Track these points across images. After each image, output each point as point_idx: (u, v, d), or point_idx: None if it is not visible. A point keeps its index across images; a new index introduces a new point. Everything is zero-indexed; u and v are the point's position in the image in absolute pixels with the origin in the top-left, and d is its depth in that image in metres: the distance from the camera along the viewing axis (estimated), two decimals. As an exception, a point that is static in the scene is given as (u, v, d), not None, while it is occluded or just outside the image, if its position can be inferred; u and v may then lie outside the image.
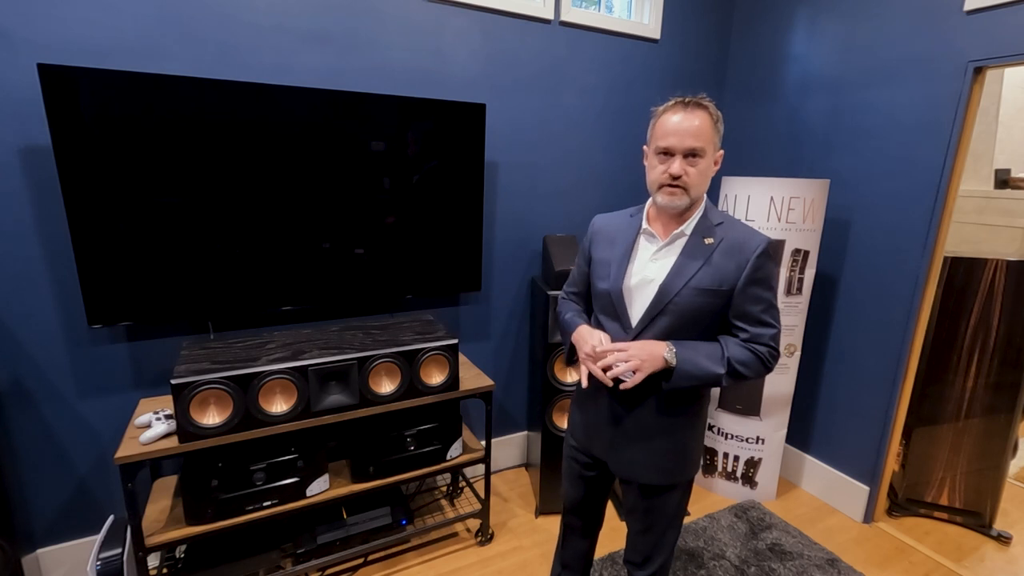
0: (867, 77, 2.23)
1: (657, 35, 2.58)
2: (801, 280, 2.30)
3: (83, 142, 1.52)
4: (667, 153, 1.15)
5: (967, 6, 1.90)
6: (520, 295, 2.55)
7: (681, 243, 1.21)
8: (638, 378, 1.15)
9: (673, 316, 1.18)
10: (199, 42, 1.74)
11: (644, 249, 1.25)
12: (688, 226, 1.21)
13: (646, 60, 2.60)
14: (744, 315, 1.18)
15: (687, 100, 1.15)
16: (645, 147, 1.24)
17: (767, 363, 1.19)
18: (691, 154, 1.14)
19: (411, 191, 2.04)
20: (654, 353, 1.15)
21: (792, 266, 2.27)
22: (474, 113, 2.09)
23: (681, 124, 1.13)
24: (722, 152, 1.21)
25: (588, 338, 1.24)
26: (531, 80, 2.33)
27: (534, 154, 2.41)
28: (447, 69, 2.15)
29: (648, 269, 1.21)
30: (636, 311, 1.21)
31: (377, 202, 1.98)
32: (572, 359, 1.38)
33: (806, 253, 2.27)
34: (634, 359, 1.14)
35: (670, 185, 1.15)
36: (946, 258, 2.17)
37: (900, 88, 2.12)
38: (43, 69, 1.44)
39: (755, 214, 2.26)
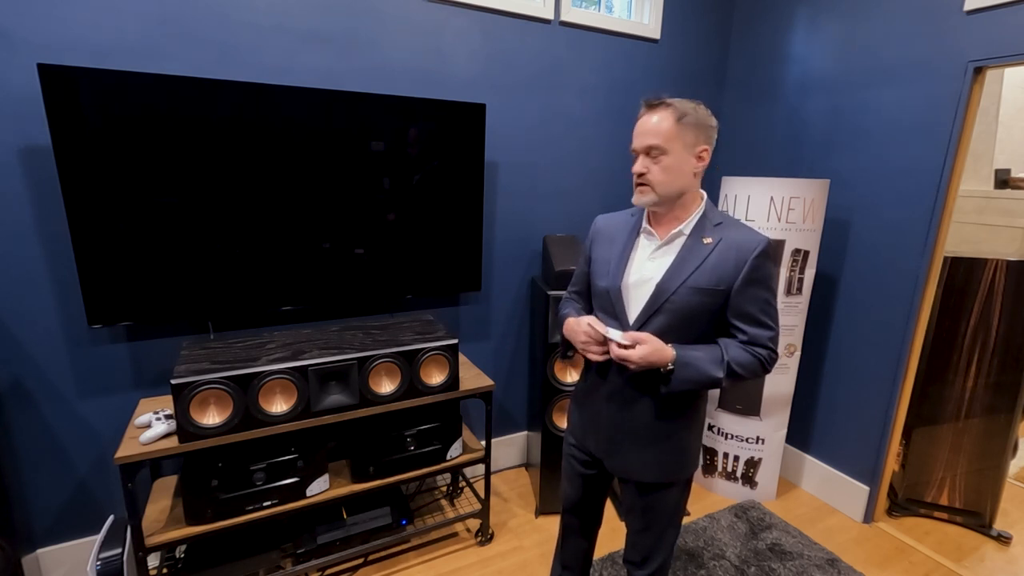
0: (867, 77, 2.23)
1: (657, 35, 2.57)
2: (801, 280, 2.30)
3: (83, 142, 1.52)
4: (635, 153, 1.20)
5: (967, 6, 1.90)
6: (520, 295, 2.55)
7: (680, 242, 1.21)
8: (637, 353, 1.13)
9: (670, 315, 1.18)
10: (199, 42, 1.74)
11: (643, 248, 1.26)
12: (687, 225, 1.21)
13: (646, 60, 2.59)
14: (742, 315, 1.18)
15: (650, 101, 1.18)
16: None
17: (766, 365, 1.19)
18: (651, 151, 1.16)
19: (411, 191, 2.04)
20: (663, 353, 1.14)
21: (792, 266, 2.27)
22: (474, 113, 2.09)
23: (642, 124, 1.18)
24: (706, 148, 1.18)
25: (576, 327, 1.25)
26: (531, 80, 2.33)
27: (534, 154, 2.41)
28: (447, 69, 2.15)
29: (646, 268, 1.22)
30: (633, 309, 1.22)
31: (377, 202, 1.98)
32: (565, 354, 1.39)
33: (806, 253, 2.27)
34: (642, 346, 1.13)
35: (637, 184, 1.20)
36: (946, 258, 2.17)
37: (900, 88, 2.12)
38: (43, 69, 1.44)
39: (755, 214, 2.26)
